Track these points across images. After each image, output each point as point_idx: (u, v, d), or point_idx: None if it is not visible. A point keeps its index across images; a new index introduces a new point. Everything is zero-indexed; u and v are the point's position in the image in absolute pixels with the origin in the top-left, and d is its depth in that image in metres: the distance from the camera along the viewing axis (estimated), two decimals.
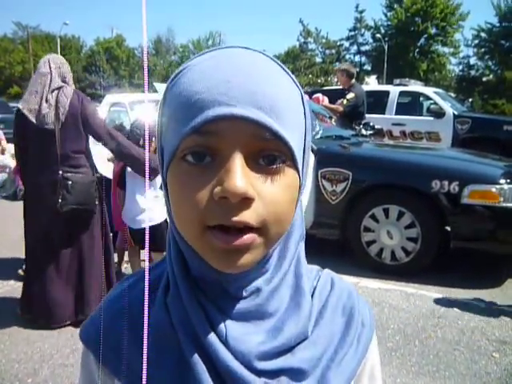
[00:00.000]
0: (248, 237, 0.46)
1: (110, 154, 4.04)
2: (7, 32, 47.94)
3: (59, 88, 2.97)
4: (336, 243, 4.47)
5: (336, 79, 11.11)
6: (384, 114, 9.21)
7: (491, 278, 4.00)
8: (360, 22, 40.99)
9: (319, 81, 36.27)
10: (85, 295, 3.18)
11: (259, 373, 0.50)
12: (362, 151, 4.76)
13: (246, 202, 0.44)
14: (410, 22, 36.57)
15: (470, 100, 25.72)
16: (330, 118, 5.62)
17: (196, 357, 0.50)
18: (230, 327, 0.51)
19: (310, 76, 37.81)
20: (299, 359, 0.53)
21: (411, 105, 9.65)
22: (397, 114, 9.27)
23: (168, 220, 0.55)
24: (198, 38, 49.93)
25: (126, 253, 4.17)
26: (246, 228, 0.45)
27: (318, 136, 4.67)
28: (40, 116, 2.93)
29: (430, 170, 4.07)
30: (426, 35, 37.33)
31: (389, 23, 38.76)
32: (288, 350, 0.53)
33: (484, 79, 33.37)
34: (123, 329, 0.55)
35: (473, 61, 35.12)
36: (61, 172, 2.96)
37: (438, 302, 3.58)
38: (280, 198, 0.47)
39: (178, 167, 0.47)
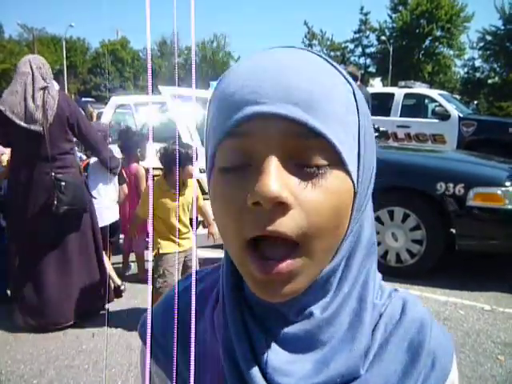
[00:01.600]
0: (287, 263, 0.41)
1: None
2: (13, 34, 48.33)
3: (44, 88, 2.93)
4: None
5: None
6: (389, 116, 9.20)
7: (496, 280, 3.99)
8: (365, 24, 40.94)
9: None
10: (80, 296, 3.18)
11: None
12: None
13: (281, 208, 0.40)
14: (415, 23, 36.49)
15: (476, 102, 25.61)
16: None
17: (233, 378, 0.47)
18: (273, 354, 0.46)
19: None
20: None
21: (416, 107, 9.65)
22: (402, 116, 9.26)
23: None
24: (203, 40, 50.03)
25: (132, 254, 4.19)
26: (283, 244, 0.41)
27: None
28: (27, 117, 2.87)
29: (435, 172, 4.06)
30: (431, 37, 37.24)
31: (394, 25, 38.71)
32: None
33: (489, 81, 33.23)
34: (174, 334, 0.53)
35: (478, 63, 35.00)
36: (53, 173, 2.94)
37: (442, 304, 3.57)
38: (323, 205, 0.41)
39: (217, 177, 0.44)
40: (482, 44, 32.70)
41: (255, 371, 0.45)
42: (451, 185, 3.84)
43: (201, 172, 3.81)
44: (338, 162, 0.42)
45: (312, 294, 0.47)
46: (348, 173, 0.43)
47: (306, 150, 0.41)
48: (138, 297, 3.65)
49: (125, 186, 3.75)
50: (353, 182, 0.44)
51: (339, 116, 0.43)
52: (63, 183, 2.95)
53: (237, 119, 0.41)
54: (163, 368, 0.54)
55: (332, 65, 0.46)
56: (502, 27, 30.99)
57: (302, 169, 0.41)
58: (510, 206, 3.73)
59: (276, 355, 0.46)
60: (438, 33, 36.91)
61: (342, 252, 0.46)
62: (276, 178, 0.39)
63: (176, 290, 0.56)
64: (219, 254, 4.65)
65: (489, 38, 31.96)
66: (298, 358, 0.46)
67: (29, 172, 2.99)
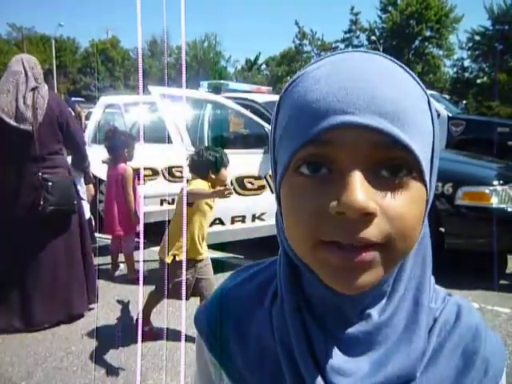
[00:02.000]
0: (368, 254, 0.41)
1: (104, 156, 4.05)
2: (2, 33, 47.85)
3: (35, 88, 2.93)
4: None
5: None
6: None
7: (485, 278, 4.02)
8: (355, 24, 41.15)
9: None
10: (65, 296, 3.16)
11: None
12: None
13: (366, 217, 0.40)
14: (405, 24, 36.74)
15: (465, 102, 25.79)
16: None
17: (291, 377, 0.48)
18: (332, 354, 0.47)
19: None
20: None
21: None
22: None
23: (277, 233, 0.53)
24: (194, 39, 49.90)
25: (121, 255, 4.18)
26: (367, 244, 0.41)
27: None
28: (17, 116, 2.88)
29: None
30: (420, 37, 37.52)
31: (384, 25, 38.94)
32: None
33: (478, 81, 33.51)
34: (230, 325, 0.55)
35: (467, 63, 35.31)
36: (40, 173, 2.93)
37: None
38: (405, 211, 0.42)
39: (292, 179, 0.44)
40: (470, 44, 33.01)
41: (314, 371, 0.47)
42: (440, 184, 3.87)
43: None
44: (418, 171, 0.43)
45: (371, 295, 0.48)
46: (424, 182, 0.44)
47: (389, 160, 0.42)
48: (127, 298, 3.64)
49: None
50: (426, 190, 0.45)
51: (420, 126, 0.43)
52: (50, 183, 2.95)
53: (322, 127, 0.41)
54: (217, 358, 0.56)
55: (408, 72, 0.46)
56: (491, 27, 31.29)
57: (384, 178, 0.42)
58: (497, 205, 3.77)
59: (335, 356, 0.47)
60: (428, 33, 37.20)
61: None
62: (362, 190, 0.40)
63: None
64: (211, 254, 4.64)
65: (477, 38, 32.25)
66: (356, 360, 0.47)
67: (17, 171, 2.98)
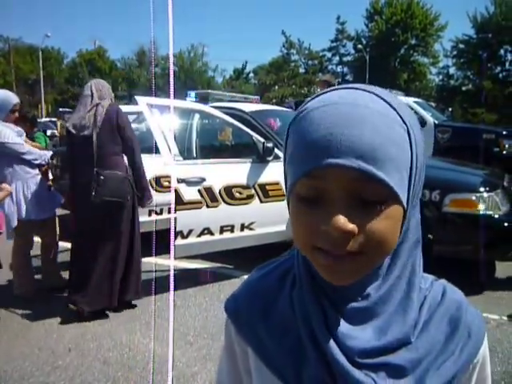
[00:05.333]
0: (349, 262, 0.54)
1: None
2: None
3: (98, 104, 3.52)
4: None
5: (319, 90, 11.15)
6: None
7: (472, 285, 4.04)
8: (342, 33, 41.56)
9: (302, 91, 36.55)
10: (116, 284, 3.53)
11: (361, 366, 0.58)
12: None
13: (348, 234, 0.52)
14: (391, 32, 37.20)
15: (450, 109, 26.10)
16: None
17: (310, 345, 0.60)
18: (341, 325, 0.59)
19: (294, 86, 38.09)
20: (400, 357, 0.59)
21: None
22: None
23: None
24: (180, 50, 49.88)
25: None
26: (349, 253, 0.53)
27: None
28: (79, 126, 3.49)
29: None
30: (406, 45, 38.00)
31: (370, 34, 39.38)
32: (389, 351, 0.59)
33: (463, 88, 33.97)
34: (256, 308, 0.68)
35: (452, 70, 35.81)
36: (96, 169, 3.39)
37: None
38: (382, 229, 0.53)
39: (294, 199, 0.57)
40: (455, 52, 33.50)
41: (328, 338, 0.59)
42: (427, 191, 3.89)
43: (178, 182, 3.78)
44: (393, 198, 0.53)
45: (368, 278, 0.60)
46: (401, 204, 0.55)
47: (368, 190, 0.52)
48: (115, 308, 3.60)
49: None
50: (403, 208, 0.55)
51: (395, 159, 0.53)
52: (102, 177, 3.38)
53: (313, 166, 0.53)
54: (243, 336, 0.68)
55: (391, 106, 0.55)
56: (475, 36, 31.81)
57: (363, 204, 0.53)
58: (484, 212, 3.80)
59: (344, 325, 0.60)
60: (413, 41, 37.70)
61: None
62: (344, 215, 0.52)
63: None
64: (196, 264, 4.62)
65: (462, 46, 32.75)
66: (361, 327, 0.60)
67: (83, 172, 3.47)
